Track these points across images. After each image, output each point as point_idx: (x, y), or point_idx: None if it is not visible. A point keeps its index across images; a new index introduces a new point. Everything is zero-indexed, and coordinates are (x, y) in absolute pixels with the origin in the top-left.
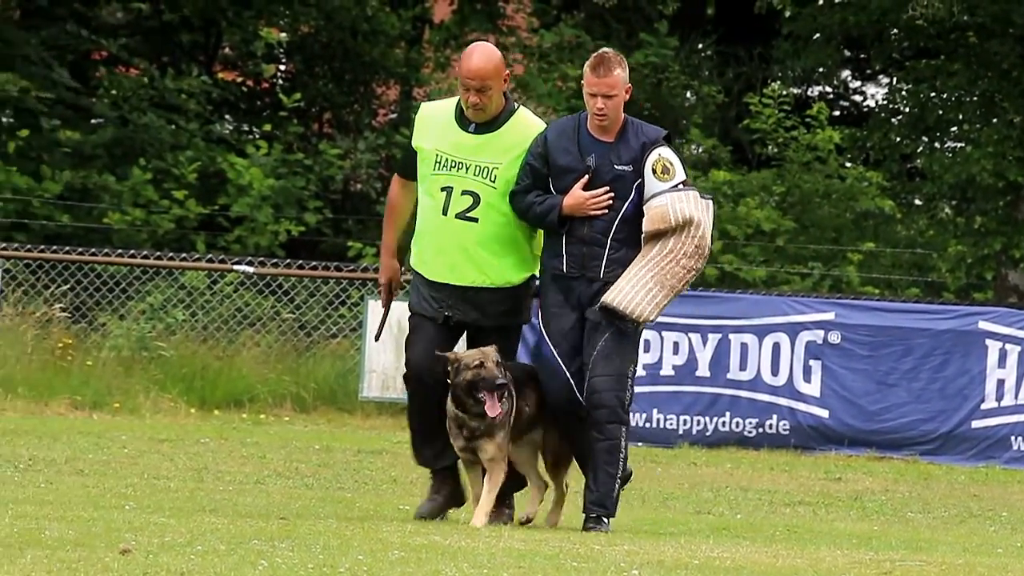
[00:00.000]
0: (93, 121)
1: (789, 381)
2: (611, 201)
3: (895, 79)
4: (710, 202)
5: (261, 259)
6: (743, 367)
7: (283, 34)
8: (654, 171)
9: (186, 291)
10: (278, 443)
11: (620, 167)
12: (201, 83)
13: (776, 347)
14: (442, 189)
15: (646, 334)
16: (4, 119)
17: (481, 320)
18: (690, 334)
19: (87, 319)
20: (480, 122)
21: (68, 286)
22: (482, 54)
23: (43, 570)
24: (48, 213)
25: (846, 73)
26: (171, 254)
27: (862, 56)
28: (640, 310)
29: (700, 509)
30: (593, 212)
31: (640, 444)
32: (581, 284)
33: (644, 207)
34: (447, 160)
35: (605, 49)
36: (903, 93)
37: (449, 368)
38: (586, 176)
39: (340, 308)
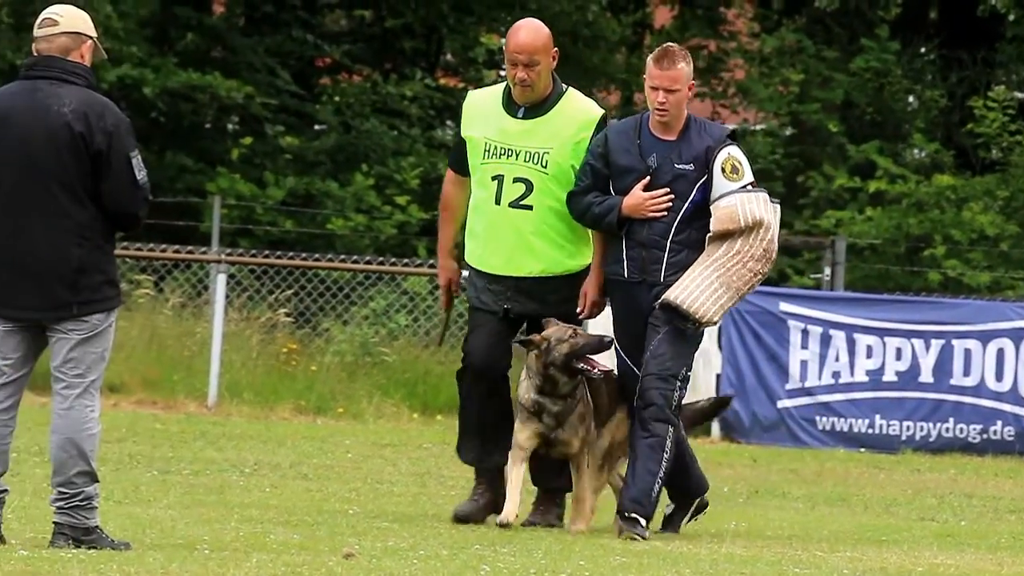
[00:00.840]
0: (316, 127)
1: (1014, 387)
2: (671, 202)
3: None
4: (777, 206)
5: None
6: (967, 373)
7: (504, 40)
8: (723, 170)
9: (408, 296)
10: None
11: (681, 166)
12: (423, 88)
13: (1000, 353)
14: (493, 178)
15: (868, 339)
16: (229, 126)
17: (541, 310)
18: (913, 340)
19: (311, 324)
20: (528, 103)
21: (292, 291)
22: (530, 29)
23: (268, 574)
24: (272, 219)
25: None
26: (393, 260)
27: None
28: (704, 310)
29: (924, 515)
30: (652, 214)
31: (862, 449)
32: (642, 291)
33: (712, 207)
34: (496, 148)
35: (670, 44)
36: None
37: (538, 350)
38: (647, 177)
39: None
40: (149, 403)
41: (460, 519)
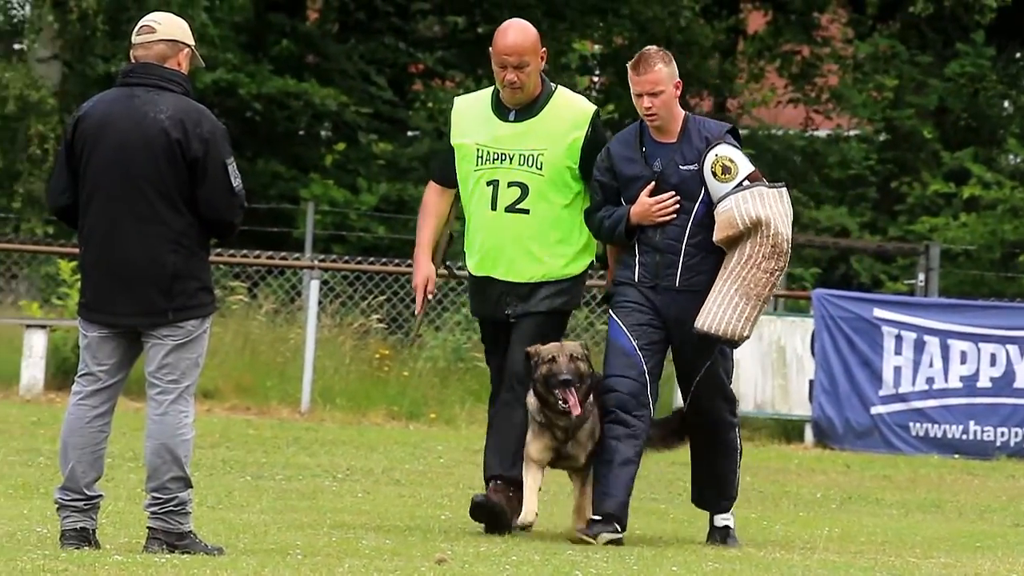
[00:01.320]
0: (409, 134)
1: None
2: (678, 205)
3: None
4: (783, 191)
5: None
6: None
7: (597, 46)
8: (714, 173)
9: None
10: None
11: (685, 167)
12: None
13: None
14: (488, 183)
15: (962, 345)
16: (322, 133)
17: (536, 307)
18: (1007, 346)
19: (403, 330)
20: (518, 106)
21: (384, 297)
22: (518, 30)
23: None
24: (364, 225)
25: None
26: None
27: None
28: (732, 329)
29: (1018, 522)
30: (660, 219)
31: (957, 456)
32: (655, 295)
33: (715, 213)
34: (489, 153)
35: (647, 47)
36: None
37: (531, 362)
38: (652, 183)
39: None
40: (242, 409)
41: (478, 506)
